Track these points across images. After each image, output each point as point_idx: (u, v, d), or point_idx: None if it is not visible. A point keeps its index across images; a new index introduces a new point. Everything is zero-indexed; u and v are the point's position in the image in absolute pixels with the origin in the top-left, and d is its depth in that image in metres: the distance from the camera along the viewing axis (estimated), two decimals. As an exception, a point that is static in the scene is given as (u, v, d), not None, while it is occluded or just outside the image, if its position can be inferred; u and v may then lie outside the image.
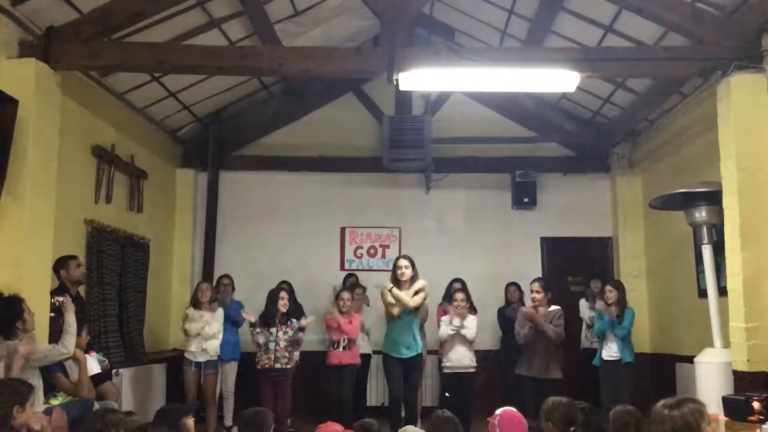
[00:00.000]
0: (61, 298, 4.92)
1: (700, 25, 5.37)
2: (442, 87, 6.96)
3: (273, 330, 6.41)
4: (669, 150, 7.69)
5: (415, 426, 5.82)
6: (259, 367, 6.39)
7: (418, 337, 6.37)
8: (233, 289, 7.58)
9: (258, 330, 6.43)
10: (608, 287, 6.66)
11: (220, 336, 6.74)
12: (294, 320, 6.58)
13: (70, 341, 4.63)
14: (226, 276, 7.66)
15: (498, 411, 3.80)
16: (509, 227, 8.98)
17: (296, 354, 6.71)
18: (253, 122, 9.11)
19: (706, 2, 5.50)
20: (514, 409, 3.84)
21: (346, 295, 6.92)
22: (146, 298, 7.52)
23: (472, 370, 6.65)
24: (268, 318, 6.47)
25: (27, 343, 4.26)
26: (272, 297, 6.57)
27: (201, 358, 6.61)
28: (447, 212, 9.02)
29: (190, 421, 4.04)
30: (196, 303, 6.72)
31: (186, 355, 6.67)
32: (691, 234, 6.78)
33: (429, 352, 7.15)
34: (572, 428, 3.43)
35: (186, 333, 6.65)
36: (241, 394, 7.19)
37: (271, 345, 6.37)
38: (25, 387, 3.54)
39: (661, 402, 2.84)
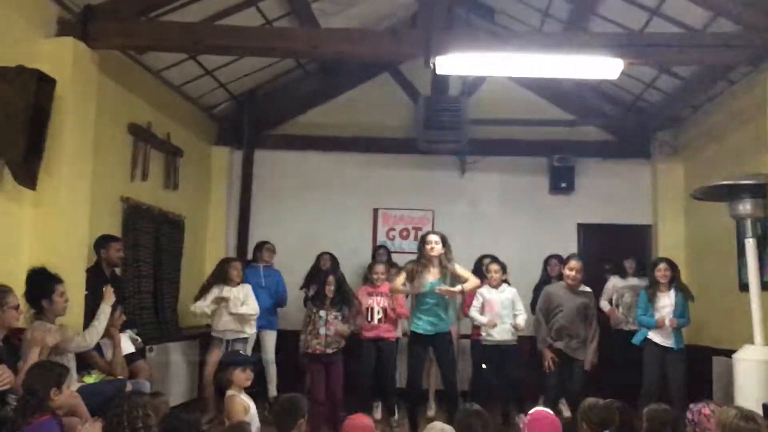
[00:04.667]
0: (106, 287, 4.92)
1: (751, 10, 5.17)
2: (480, 71, 6.81)
3: (323, 313, 6.07)
4: (713, 138, 7.46)
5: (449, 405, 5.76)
6: (309, 351, 6.05)
7: (446, 314, 6.01)
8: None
9: (304, 324, 6.16)
10: (663, 265, 6.34)
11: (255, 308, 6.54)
12: (345, 308, 6.22)
13: (94, 335, 4.63)
14: (269, 242, 7.60)
15: (530, 411, 3.74)
16: (545, 212, 8.83)
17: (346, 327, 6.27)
18: (288, 101, 9.08)
19: (759, -14, 5.27)
20: (547, 410, 3.77)
21: (380, 268, 6.74)
22: (180, 275, 7.59)
23: (514, 343, 6.54)
24: (317, 301, 6.15)
25: (50, 331, 4.23)
26: (320, 278, 6.31)
27: (230, 336, 6.46)
28: (482, 196, 8.90)
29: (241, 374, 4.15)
30: (226, 280, 6.50)
31: (214, 334, 6.52)
32: (733, 226, 6.58)
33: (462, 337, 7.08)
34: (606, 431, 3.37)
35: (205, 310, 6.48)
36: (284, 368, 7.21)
37: (321, 330, 6.04)
38: (61, 368, 3.59)
39: (732, 412, 2.79)
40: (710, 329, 7.46)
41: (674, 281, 6.34)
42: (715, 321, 7.38)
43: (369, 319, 6.63)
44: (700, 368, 7.18)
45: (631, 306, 7.35)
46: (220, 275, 6.58)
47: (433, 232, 6.29)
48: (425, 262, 5.95)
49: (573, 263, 6.23)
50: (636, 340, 6.41)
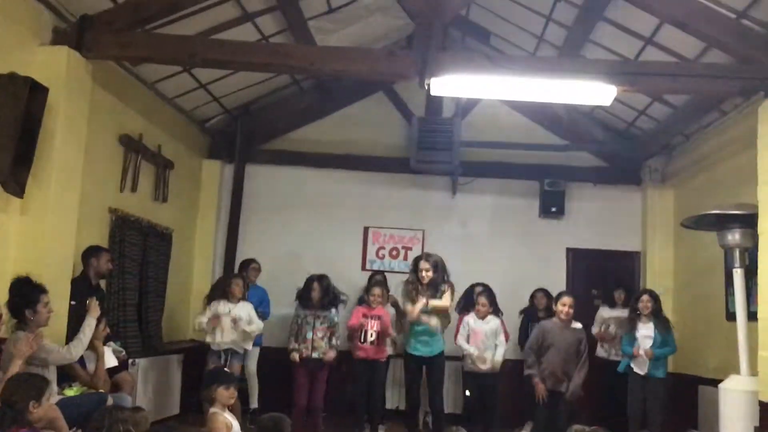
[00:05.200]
0: (90, 299, 4.87)
1: (744, 42, 5.20)
2: (474, 94, 6.85)
3: (310, 318, 6.38)
4: (704, 167, 7.50)
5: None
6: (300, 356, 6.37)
7: (439, 336, 6.37)
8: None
9: (292, 331, 6.46)
10: (645, 296, 6.56)
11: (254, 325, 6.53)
12: (333, 311, 6.56)
13: (78, 347, 4.56)
14: (255, 261, 7.67)
15: None
16: (535, 236, 8.85)
17: (335, 341, 6.55)
18: (282, 116, 9.06)
19: (752, 20, 5.32)
20: None
21: (377, 290, 6.76)
22: (167, 288, 7.52)
23: (494, 371, 6.59)
24: (305, 307, 6.48)
25: (29, 340, 4.15)
26: (305, 286, 6.62)
27: (225, 346, 6.42)
28: (472, 217, 8.91)
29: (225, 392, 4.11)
30: (227, 295, 6.50)
31: (212, 346, 6.44)
32: (722, 255, 6.60)
33: (448, 358, 7.05)
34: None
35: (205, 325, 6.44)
36: (267, 384, 7.26)
37: (308, 335, 6.33)
38: (41, 381, 3.53)
39: None
40: (697, 358, 7.46)
41: (655, 312, 6.49)
42: (701, 350, 7.39)
43: (362, 340, 6.63)
44: (686, 397, 7.18)
45: (615, 336, 7.39)
46: (223, 290, 6.57)
47: (425, 258, 6.42)
48: (418, 286, 6.27)
49: (565, 299, 6.25)
50: (620, 368, 6.58)
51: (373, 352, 6.63)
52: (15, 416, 3.26)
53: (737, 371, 5.50)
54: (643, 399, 6.39)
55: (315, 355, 6.34)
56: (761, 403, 4.93)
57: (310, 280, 6.64)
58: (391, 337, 7.00)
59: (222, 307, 6.43)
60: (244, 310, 6.47)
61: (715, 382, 5.70)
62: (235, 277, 6.78)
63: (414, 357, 6.40)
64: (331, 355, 6.47)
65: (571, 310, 6.19)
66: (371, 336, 6.63)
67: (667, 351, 6.47)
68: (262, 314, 7.25)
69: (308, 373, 6.38)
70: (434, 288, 6.33)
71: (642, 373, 6.39)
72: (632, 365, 6.46)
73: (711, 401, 6.10)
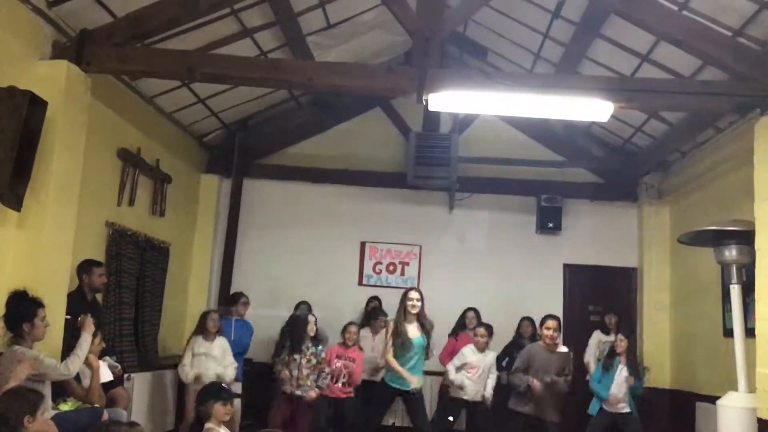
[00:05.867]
0: (83, 316, 4.84)
1: (740, 60, 5.23)
2: (472, 110, 6.88)
3: (297, 357, 6.29)
4: (700, 183, 7.53)
5: None
6: (282, 388, 6.32)
7: (419, 371, 6.22)
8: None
9: (281, 360, 6.34)
10: (620, 336, 6.65)
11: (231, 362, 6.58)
12: (320, 347, 6.53)
13: (75, 363, 4.51)
14: (244, 295, 7.55)
15: None
16: (532, 252, 8.85)
17: (323, 381, 6.48)
18: (280, 131, 9.10)
19: (747, 37, 5.37)
20: None
21: (353, 329, 6.82)
22: (163, 302, 7.50)
23: (481, 399, 6.57)
24: (294, 344, 6.35)
25: (29, 358, 4.12)
26: (299, 322, 6.48)
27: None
28: (469, 233, 8.92)
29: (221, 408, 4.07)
30: (203, 332, 6.55)
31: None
32: (718, 271, 6.61)
33: (426, 373, 6.95)
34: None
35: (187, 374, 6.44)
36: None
37: (294, 372, 6.27)
38: (35, 396, 3.49)
39: None
40: (694, 374, 7.45)
41: (628, 355, 6.58)
42: (699, 366, 7.38)
43: (335, 381, 6.63)
44: (683, 414, 7.17)
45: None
46: (199, 327, 6.63)
47: (414, 288, 6.46)
48: (404, 320, 6.14)
49: (549, 323, 6.22)
50: (592, 410, 6.57)
51: (339, 392, 6.63)
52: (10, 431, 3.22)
53: (735, 388, 5.47)
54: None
55: (299, 392, 6.26)
56: (760, 420, 4.91)
57: (304, 317, 6.58)
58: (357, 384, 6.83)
59: (198, 346, 6.47)
60: (217, 348, 6.51)
61: (712, 399, 5.68)
62: (210, 312, 6.79)
63: (392, 389, 6.19)
64: (312, 396, 6.35)
65: (556, 333, 6.15)
66: (344, 377, 6.64)
67: (635, 390, 6.54)
68: (245, 347, 7.25)
69: (291, 407, 6.30)
70: (420, 323, 6.19)
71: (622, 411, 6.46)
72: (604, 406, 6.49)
73: (709, 418, 6.08)
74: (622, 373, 6.50)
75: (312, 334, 6.42)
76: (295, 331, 6.43)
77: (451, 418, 6.69)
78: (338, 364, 6.67)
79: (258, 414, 6.89)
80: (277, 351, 6.55)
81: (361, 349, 6.93)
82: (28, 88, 4.68)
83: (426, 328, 6.16)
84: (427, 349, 6.18)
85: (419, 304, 6.14)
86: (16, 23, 4.84)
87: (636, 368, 6.62)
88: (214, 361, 6.44)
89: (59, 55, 5.18)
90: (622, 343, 6.57)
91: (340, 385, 6.63)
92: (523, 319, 7.76)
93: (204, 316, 6.70)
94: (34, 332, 4.28)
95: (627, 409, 6.43)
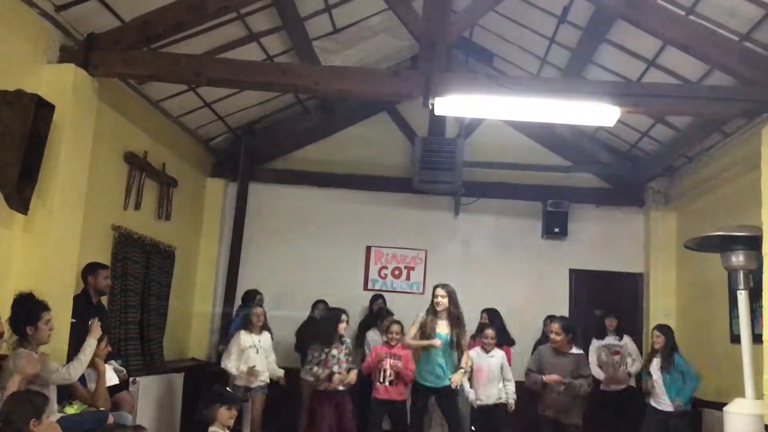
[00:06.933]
0: (92, 320, 4.86)
1: (747, 64, 5.21)
2: (478, 114, 6.87)
3: (335, 352, 6.24)
4: (707, 188, 7.50)
5: None
6: (321, 389, 6.22)
7: (448, 368, 6.08)
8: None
9: (317, 358, 6.24)
10: (655, 331, 6.60)
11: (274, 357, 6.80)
12: (347, 340, 6.51)
13: (78, 368, 4.51)
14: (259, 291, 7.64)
15: None
16: (538, 257, 8.83)
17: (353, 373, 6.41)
18: (286, 136, 9.11)
19: (754, 42, 5.35)
20: None
21: (396, 327, 6.54)
22: (169, 306, 7.50)
23: (502, 401, 6.52)
24: (327, 342, 6.29)
25: (32, 361, 4.12)
26: (332, 320, 6.39)
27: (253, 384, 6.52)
28: (475, 237, 8.90)
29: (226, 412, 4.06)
30: (248, 326, 6.65)
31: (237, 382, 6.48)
32: (725, 276, 6.58)
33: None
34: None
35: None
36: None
37: (335, 368, 6.19)
38: (41, 399, 3.50)
39: None
40: (701, 381, 7.40)
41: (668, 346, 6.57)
42: (705, 372, 7.32)
43: (381, 380, 6.44)
44: (690, 420, 7.10)
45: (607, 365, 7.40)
46: (244, 322, 6.76)
47: (441, 285, 6.27)
48: (434, 316, 6.08)
49: (553, 326, 6.24)
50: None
51: (393, 393, 6.41)
52: (15, 435, 3.23)
53: (742, 394, 5.43)
54: None
55: (341, 387, 6.24)
56: (767, 427, 4.88)
57: (336, 314, 6.47)
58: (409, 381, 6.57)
59: (243, 340, 6.54)
60: (263, 339, 6.69)
61: (719, 405, 5.63)
62: (255, 308, 6.87)
63: (422, 387, 6.13)
64: (351, 379, 6.32)
65: (559, 337, 6.13)
66: (390, 375, 6.41)
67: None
68: None
69: (334, 406, 6.23)
70: (450, 317, 6.12)
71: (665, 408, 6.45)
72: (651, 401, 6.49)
73: (716, 425, 6.04)
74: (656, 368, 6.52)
75: (342, 332, 6.36)
76: (326, 329, 6.38)
77: (473, 428, 6.60)
78: (383, 362, 6.46)
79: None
80: (306, 356, 6.55)
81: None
82: (36, 92, 4.72)
83: (455, 326, 6.06)
84: (456, 346, 6.06)
85: (444, 301, 6.05)
86: (24, 27, 4.87)
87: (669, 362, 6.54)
88: (264, 353, 6.61)
89: (67, 59, 5.20)
90: (659, 339, 6.55)
91: (387, 384, 6.41)
92: (547, 317, 7.64)
93: (248, 313, 6.82)
94: (37, 335, 4.28)
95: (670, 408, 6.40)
